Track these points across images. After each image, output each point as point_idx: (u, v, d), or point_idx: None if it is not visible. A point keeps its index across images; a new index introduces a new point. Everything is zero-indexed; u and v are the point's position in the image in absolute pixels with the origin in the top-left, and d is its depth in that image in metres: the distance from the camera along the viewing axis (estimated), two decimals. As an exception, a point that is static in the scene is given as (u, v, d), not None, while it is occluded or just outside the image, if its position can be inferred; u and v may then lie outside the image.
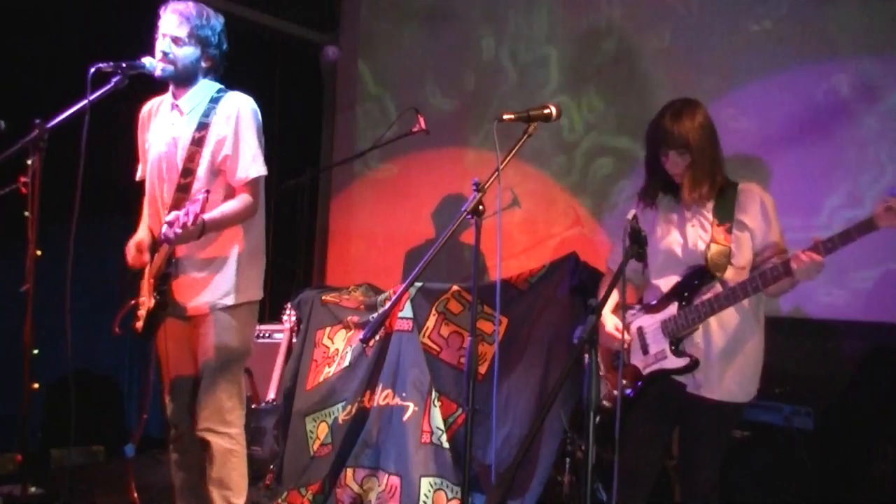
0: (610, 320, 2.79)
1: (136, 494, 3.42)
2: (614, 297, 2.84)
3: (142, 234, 3.06)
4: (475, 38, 5.12)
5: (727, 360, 2.63)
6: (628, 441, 2.53)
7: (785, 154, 3.93)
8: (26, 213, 2.58)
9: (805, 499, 3.23)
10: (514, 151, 2.40)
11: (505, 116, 2.42)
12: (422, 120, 4.36)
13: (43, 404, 4.18)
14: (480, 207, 2.32)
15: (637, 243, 2.36)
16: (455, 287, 3.80)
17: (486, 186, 2.36)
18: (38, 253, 2.58)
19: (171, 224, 2.64)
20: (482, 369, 3.53)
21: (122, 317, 3.00)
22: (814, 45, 3.92)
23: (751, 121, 4.01)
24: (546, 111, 2.47)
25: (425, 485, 3.53)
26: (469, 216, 2.31)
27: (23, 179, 2.58)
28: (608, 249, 3.14)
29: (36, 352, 2.60)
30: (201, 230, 2.73)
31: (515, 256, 4.20)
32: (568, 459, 3.53)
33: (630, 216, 2.43)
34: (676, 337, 2.64)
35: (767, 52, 4.03)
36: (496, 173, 2.37)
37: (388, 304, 3.59)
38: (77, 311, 2.68)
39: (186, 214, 2.60)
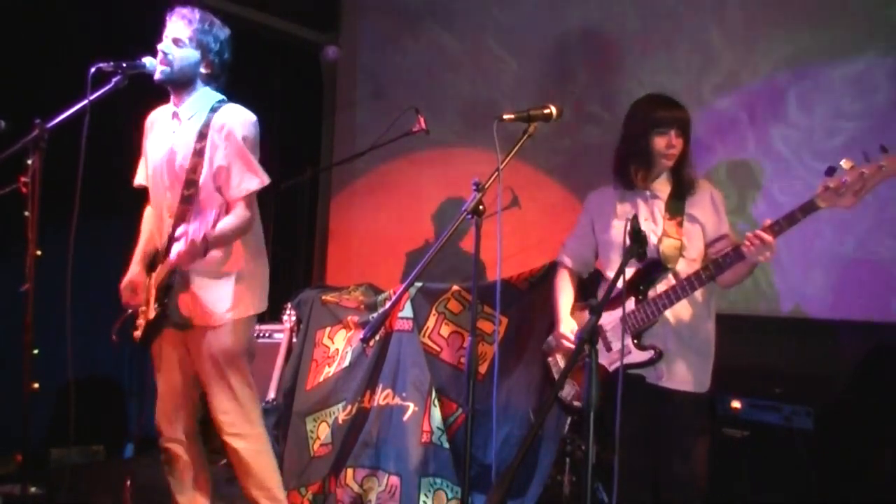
0: (566, 324, 2.86)
1: (129, 496, 3.42)
2: (571, 300, 2.94)
3: (134, 271, 3.03)
4: (475, 38, 5.12)
5: (684, 350, 2.69)
6: (610, 443, 2.53)
7: (781, 154, 3.94)
8: (26, 213, 2.58)
9: (805, 499, 3.23)
10: (514, 151, 2.41)
11: (505, 116, 2.43)
12: (422, 120, 4.35)
13: (43, 404, 4.17)
14: (480, 207, 2.32)
15: (637, 243, 2.36)
16: (455, 287, 3.81)
17: (486, 186, 2.36)
18: (38, 253, 2.58)
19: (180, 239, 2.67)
20: (482, 369, 3.54)
21: (119, 326, 3.00)
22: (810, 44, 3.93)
23: (748, 120, 4.02)
24: (546, 111, 2.48)
25: (425, 485, 3.53)
26: (469, 216, 2.32)
27: (23, 179, 2.59)
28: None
29: (36, 352, 2.60)
30: (206, 249, 2.74)
31: (515, 256, 4.19)
32: (568, 459, 3.54)
33: (630, 215, 2.44)
34: (637, 331, 2.68)
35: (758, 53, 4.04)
36: (496, 173, 2.37)
37: (388, 304, 3.59)
38: (77, 311, 2.68)
39: (195, 232, 2.62)
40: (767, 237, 2.43)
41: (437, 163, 5.17)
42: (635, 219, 2.41)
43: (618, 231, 2.78)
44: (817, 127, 3.83)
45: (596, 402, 2.03)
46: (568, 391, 2.86)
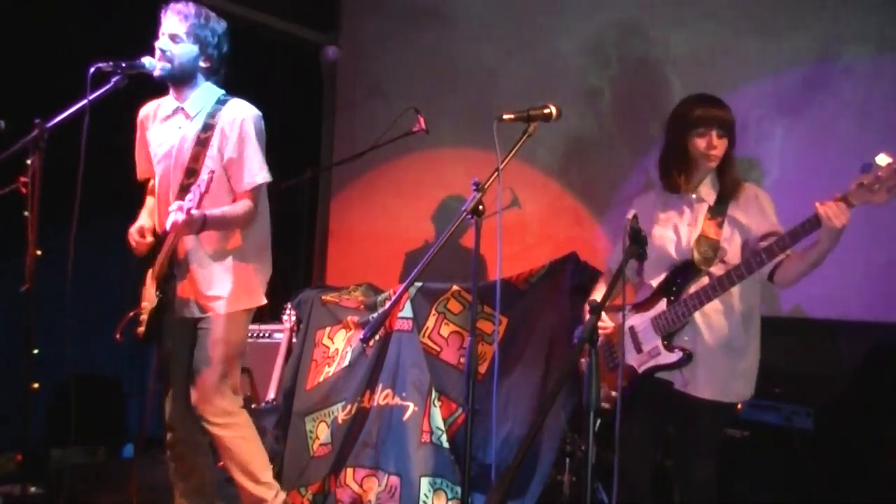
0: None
1: (135, 496, 3.42)
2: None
3: (142, 219, 3.07)
4: (475, 38, 5.11)
5: (714, 359, 2.62)
6: (622, 443, 2.53)
7: (782, 155, 3.94)
8: (26, 213, 2.58)
9: (805, 499, 3.23)
10: (514, 151, 2.40)
11: (505, 116, 2.42)
12: (422, 120, 4.35)
13: (43, 404, 4.18)
14: (480, 207, 2.32)
15: (637, 243, 2.35)
16: (455, 287, 3.80)
17: (486, 186, 2.36)
18: (38, 253, 2.58)
19: (175, 211, 2.67)
20: (482, 369, 3.53)
21: (123, 325, 3.01)
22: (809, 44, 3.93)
23: (747, 122, 4.02)
24: (546, 111, 2.47)
25: (425, 484, 3.53)
26: (469, 216, 2.32)
27: (23, 179, 2.59)
28: (608, 249, 3.14)
29: (36, 352, 2.61)
30: (202, 224, 2.74)
31: (515, 256, 4.19)
32: (568, 459, 3.54)
33: (630, 216, 2.43)
34: (668, 332, 2.64)
35: (761, 52, 4.05)
36: (496, 173, 2.37)
37: (388, 304, 3.59)
38: (77, 311, 2.69)
39: (191, 200, 2.62)
40: (840, 202, 2.32)
41: (437, 163, 5.17)
42: (635, 219, 2.40)
43: (656, 234, 2.72)
44: (835, 126, 3.81)
45: (596, 401, 2.03)
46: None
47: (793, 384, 3.47)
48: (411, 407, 3.65)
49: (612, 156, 4.57)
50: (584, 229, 4.64)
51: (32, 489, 3.47)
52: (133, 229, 3.01)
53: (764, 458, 3.35)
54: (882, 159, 2.26)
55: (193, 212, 2.64)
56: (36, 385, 2.62)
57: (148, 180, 3.17)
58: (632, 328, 2.74)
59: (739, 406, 2.85)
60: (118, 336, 2.99)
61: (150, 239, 2.96)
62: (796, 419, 3.30)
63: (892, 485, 3.22)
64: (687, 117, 2.66)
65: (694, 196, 2.72)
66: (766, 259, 2.48)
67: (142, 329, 2.96)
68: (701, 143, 2.63)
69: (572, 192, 4.71)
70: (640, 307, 2.74)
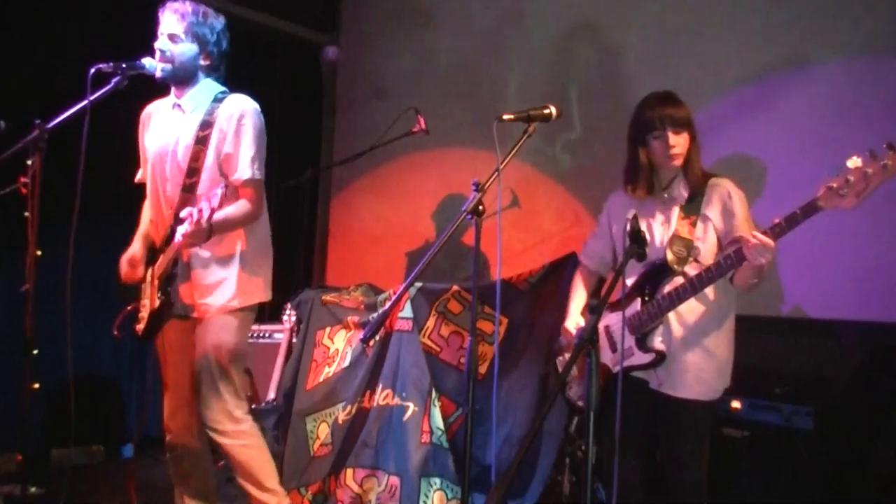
0: (571, 320, 2.84)
1: (134, 495, 3.43)
2: (584, 299, 2.89)
3: (135, 247, 3.05)
4: (475, 38, 5.12)
5: (688, 359, 2.62)
6: (607, 443, 2.51)
7: (784, 156, 3.94)
8: (26, 213, 2.58)
9: (805, 499, 3.23)
10: (514, 151, 2.40)
11: (505, 116, 2.42)
12: (422, 120, 4.35)
13: (43, 404, 4.18)
14: (480, 207, 2.32)
15: (637, 243, 2.35)
16: (455, 287, 3.80)
17: (486, 186, 2.36)
18: (38, 253, 2.58)
19: (185, 220, 2.66)
20: (482, 369, 3.53)
21: (121, 320, 3.01)
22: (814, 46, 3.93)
23: (749, 121, 4.02)
24: (546, 111, 2.47)
25: (425, 485, 3.53)
26: (469, 216, 2.32)
27: (23, 179, 2.59)
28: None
29: (36, 352, 2.61)
30: (209, 231, 2.74)
31: (515, 256, 4.20)
32: (568, 459, 3.54)
33: (630, 215, 2.42)
34: (641, 332, 2.63)
35: (764, 52, 4.04)
36: (496, 173, 2.37)
37: (388, 304, 3.59)
38: (77, 311, 2.69)
39: (200, 211, 2.61)
40: (766, 239, 2.33)
41: (437, 163, 5.17)
42: (635, 219, 2.39)
43: None
44: (822, 126, 3.82)
45: (596, 402, 2.02)
46: (576, 391, 2.84)
47: (793, 384, 3.47)
48: (411, 407, 3.65)
49: (612, 155, 4.56)
50: (584, 229, 4.64)
51: (32, 489, 3.47)
52: (125, 259, 3.00)
53: (764, 458, 3.34)
54: (852, 162, 2.21)
55: (205, 223, 2.64)
56: (36, 385, 2.62)
57: (145, 187, 3.16)
58: (607, 327, 2.75)
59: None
60: (116, 332, 2.99)
61: (140, 271, 2.97)
62: (796, 419, 3.30)
63: (892, 485, 3.22)
64: (639, 122, 2.67)
65: (666, 195, 2.71)
66: (715, 275, 2.49)
67: (141, 326, 2.96)
68: (658, 145, 2.64)
69: (572, 192, 4.72)
70: (616, 307, 2.73)
